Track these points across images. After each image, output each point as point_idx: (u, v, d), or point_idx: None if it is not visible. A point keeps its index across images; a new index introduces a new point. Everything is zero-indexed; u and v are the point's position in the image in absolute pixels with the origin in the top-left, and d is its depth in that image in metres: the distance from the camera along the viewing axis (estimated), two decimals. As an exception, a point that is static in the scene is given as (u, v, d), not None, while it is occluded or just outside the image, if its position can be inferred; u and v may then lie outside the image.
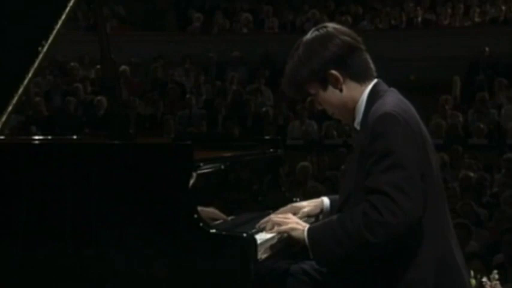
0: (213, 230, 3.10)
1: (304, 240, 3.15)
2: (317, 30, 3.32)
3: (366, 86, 3.27)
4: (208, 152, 3.73)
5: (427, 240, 3.10)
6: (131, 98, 13.60)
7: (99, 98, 12.86)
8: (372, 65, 3.31)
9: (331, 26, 3.34)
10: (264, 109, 13.79)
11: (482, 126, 12.67)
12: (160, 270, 3.12)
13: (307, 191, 8.74)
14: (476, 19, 17.04)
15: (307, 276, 3.31)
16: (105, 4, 14.25)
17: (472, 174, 9.89)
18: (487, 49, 15.04)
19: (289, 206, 3.63)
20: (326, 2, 18.06)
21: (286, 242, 3.27)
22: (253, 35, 17.17)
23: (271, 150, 4.21)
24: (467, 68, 15.12)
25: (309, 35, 3.31)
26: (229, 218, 3.56)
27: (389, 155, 3.02)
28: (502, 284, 4.52)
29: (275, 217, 3.36)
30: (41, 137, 5.00)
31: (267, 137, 5.56)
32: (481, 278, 4.40)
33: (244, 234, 3.08)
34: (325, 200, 3.63)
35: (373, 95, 3.23)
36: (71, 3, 3.81)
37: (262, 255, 3.13)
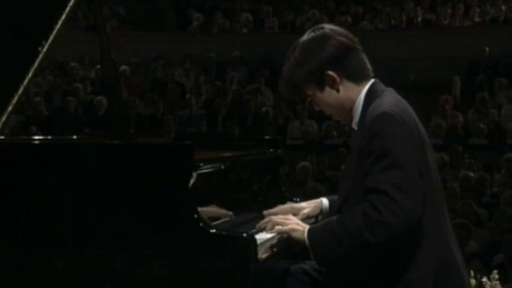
0: (213, 230, 3.10)
1: (304, 241, 3.15)
2: (313, 31, 3.33)
3: (363, 86, 3.27)
4: (208, 152, 3.73)
5: (427, 240, 3.10)
6: (131, 98, 13.60)
7: (99, 98, 12.86)
8: (369, 65, 3.32)
9: (327, 27, 3.35)
10: (264, 109, 13.79)
11: (482, 126, 12.67)
12: (160, 270, 3.12)
13: (307, 191, 8.74)
14: (476, 19, 17.03)
15: (307, 276, 3.31)
16: (105, 4, 14.25)
17: (472, 174, 9.89)
18: (487, 49, 15.04)
19: (288, 206, 3.63)
20: (326, 2, 18.06)
21: (286, 242, 3.27)
22: (253, 35, 17.16)
23: (271, 150, 4.21)
24: (467, 68, 15.12)
25: (305, 36, 3.32)
26: (230, 213, 3.56)
27: (387, 154, 3.02)
28: (502, 284, 4.53)
29: (275, 217, 3.36)
30: (41, 137, 5.00)
31: (267, 137, 5.56)
32: (481, 278, 4.41)
33: (244, 234, 3.08)
34: (324, 201, 3.63)
35: (371, 95, 3.24)
36: (71, 3, 3.81)
37: (262, 255, 3.13)
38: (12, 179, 3.32)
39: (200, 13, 18.03)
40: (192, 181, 3.16)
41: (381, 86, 3.30)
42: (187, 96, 14.36)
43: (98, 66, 11.77)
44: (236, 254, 3.05)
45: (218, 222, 3.43)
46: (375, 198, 2.99)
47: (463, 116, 13.19)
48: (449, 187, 9.20)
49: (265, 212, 3.53)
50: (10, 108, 3.75)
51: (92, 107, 13.29)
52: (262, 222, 3.40)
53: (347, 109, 3.29)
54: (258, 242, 3.10)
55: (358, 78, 3.27)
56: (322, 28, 3.33)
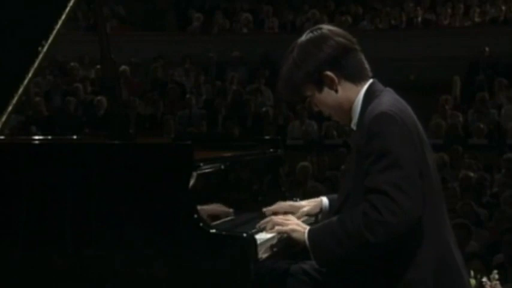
0: (213, 230, 3.10)
1: (304, 241, 3.15)
2: (311, 32, 3.33)
3: (362, 87, 3.27)
4: (208, 152, 3.74)
5: (427, 240, 3.10)
6: (131, 98, 13.60)
7: (99, 98, 12.86)
8: (367, 65, 3.32)
9: (325, 27, 3.34)
10: (264, 109, 13.79)
11: (482, 126, 12.67)
12: (160, 270, 3.12)
13: (307, 191, 8.74)
14: (476, 19, 17.04)
15: (307, 276, 3.31)
16: (105, 4, 14.25)
17: (472, 174, 9.89)
18: (487, 49, 15.04)
19: (287, 203, 3.63)
20: (326, 2, 18.06)
21: (286, 242, 3.27)
22: (253, 35, 17.17)
23: (271, 150, 4.21)
24: (467, 68, 15.13)
25: (304, 37, 3.32)
26: (231, 210, 3.55)
27: (387, 154, 3.02)
28: (502, 284, 4.53)
29: (275, 217, 3.36)
30: (41, 137, 5.00)
31: (267, 137, 5.56)
32: (481, 278, 4.41)
33: (244, 234, 3.08)
34: (324, 200, 3.64)
35: (369, 95, 3.24)
36: (71, 3, 3.81)
37: (262, 255, 3.13)
38: (12, 179, 3.32)
39: (200, 13, 18.03)
40: (192, 181, 3.16)
41: (380, 86, 3.29)
42: (187, 96, 14.36)
43: (98, 66, 11.76)
44: (236, 254, 3.05)
45: (218, 222, 3.44)
46: (375, 198, 2.99)
47: (463, 116, 13.19)
48: (449, 187, 9.20)
49: (264, 209, 3.53)
50: (10, 108, 3.75)
51: (92, 107, 13.29)
52: (262, 222, 3.40)
53: (346, 109, 3.29)
54: (258, 242, 3.10)
55: (357, 79, 3.27)
56: (320, 29, 3.33)
